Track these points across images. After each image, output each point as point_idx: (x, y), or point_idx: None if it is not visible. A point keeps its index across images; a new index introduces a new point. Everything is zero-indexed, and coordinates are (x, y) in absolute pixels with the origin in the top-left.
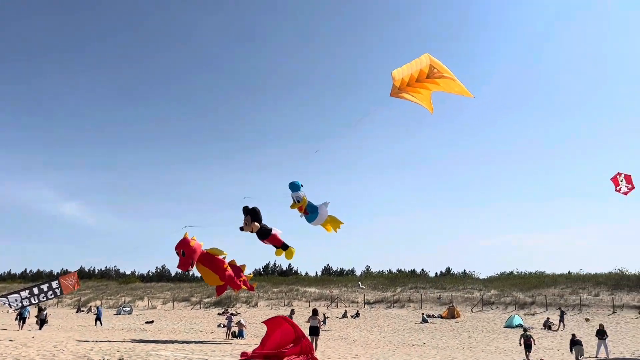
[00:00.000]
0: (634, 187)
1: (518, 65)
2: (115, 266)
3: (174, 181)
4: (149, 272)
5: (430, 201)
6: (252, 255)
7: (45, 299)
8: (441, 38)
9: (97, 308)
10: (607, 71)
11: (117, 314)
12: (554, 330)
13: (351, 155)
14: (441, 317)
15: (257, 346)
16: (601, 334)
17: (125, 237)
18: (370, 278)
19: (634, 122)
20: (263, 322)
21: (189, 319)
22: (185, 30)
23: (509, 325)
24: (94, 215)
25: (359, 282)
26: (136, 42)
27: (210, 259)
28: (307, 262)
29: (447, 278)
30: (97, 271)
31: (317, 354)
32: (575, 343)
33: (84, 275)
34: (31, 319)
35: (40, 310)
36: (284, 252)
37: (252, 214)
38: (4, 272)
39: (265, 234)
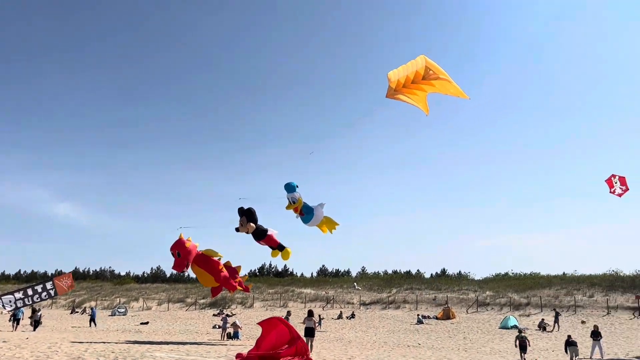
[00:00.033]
0: (628, 189)
1: (517, 65)
2: (110, 267)
3: (170, 182)
4: (144, 273)
5: (426, 202)
6: (247, 256)
7: (39, 300)
8: (440, 38)
9: (92, 309)
10: (605, 72)
11: (111, 315)
12: (548, 331)
13: (348, 156)
14: (436, 318)
15: (252, 347)
16: (595, 334)
17: (120, 238)
18: (366, 279)
19: (630, 123)
20: (258, 323)
21: (184, 320)
22: (183, 30)
23: (504, 327)
24: (88, 216)
25: (355, 283)
26: (133, 41)
27: (206, 260)
28: (302, 263)
29: (442, 279)
30: (91, 272)
31: (312, 355)
32: (570, 344)
33: (78, 276)
34: (25, 320)
35: (34, 311)
36: (280, 253)
37: (247, 215)
38: None
39: (261, 235)
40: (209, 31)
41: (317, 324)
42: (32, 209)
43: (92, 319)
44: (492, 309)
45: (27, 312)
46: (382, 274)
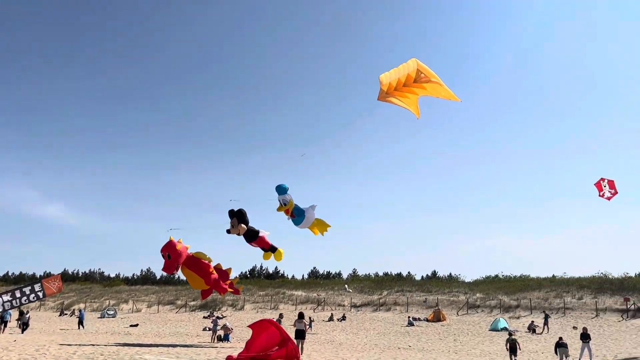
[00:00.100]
0: (617, 192)
1: (508, 69)
2: (99, 269)
3: (160, 183)
4: (133, 274)
5: (417, 205)
6: (238, 258)
7: (27, 302)
8: (440, 38)
9: (80, 311)
10: (605, 72)
11: (101, 317)
12: (538, 334)
13: (339, 160)
14: (427, 320)
15: (242, 349)
16: (585, 337)
17: (110, 240)
18: (357, 281)
19: (622, 125)
20: (249, 326)
21: (174, 323)
22: (179, 30)
23: (494, 329)
24: (78, 217)
25: (346, 285)
26: (126, 43)
27: (196, 263)
28: (293, 265)
29: (433, 281)
30: (80, 274)
31: (303, 358)
32: (560, 345)
33: (67, 277)
34: (13, 323)
35: (22, 313)
36: (272, 255)
37: (238, 216)
38: None
39: (252, 236)
40: (200, 32)
41: (307, 326)
42: (21, 210)
43: (80, 322)
44: (483, 311)
45: (15, 314)
46: (373, 276)
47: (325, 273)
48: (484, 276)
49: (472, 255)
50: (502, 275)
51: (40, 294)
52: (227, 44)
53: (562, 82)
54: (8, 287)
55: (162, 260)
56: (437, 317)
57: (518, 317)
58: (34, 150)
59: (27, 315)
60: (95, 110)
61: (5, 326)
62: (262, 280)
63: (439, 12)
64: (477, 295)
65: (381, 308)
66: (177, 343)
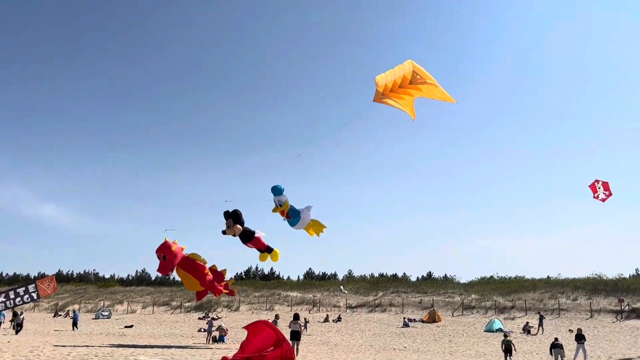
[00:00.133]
0: (611, 194)
1: (508, 69)
2: (94, 269)
3: (156, 184)
4: (128, 275)
5: (413, 206)
6: (234, 259)
7: (21, 302)
8: (439, 38)
9: (74, 312)
10: (604, 72)
11: (95, 319)
12: (532, 335)
13: (335, 161)
14: (422, 321)
15: (237, 351)
16: (579, 337)
17: (105, 240)
18: (352, 282)
19: (622, 126)
20: (244, 327)
21: (169, 324)
22: (176, 31)
23: (489, 330)
24: (73, 218)
25: (341, 287)
26: (123, 43)
27: (191, 264)
28: (289, 266)
29: (428, 282)
30: (75, 274)
31: (298, 359)
32: (555, 346)
33: (61, 278)
34: (7, 324)
35: (15, 314)
36: (268, 256)
37: (233, 217)
38: None
39: (248, 237)
40: (205, 31)
41: (303, 328)
42: (15, 210)
43: (75, 323)
44: (478, 312)
45: (9, 315)
46: (368, 277)
47: (321, 274)
48: (479, 277)
49: (468, 256)
50: (497, 277)
51: (35, 295)
52: (227, 44)
53: (562, 82)
54: (2, 288)
55: (157, 261)
56: (433, 318)
57: (513, 318)
58: (28, 151)
59: (21, 316)
60: (94, 110)
61: None
62: (257, 281)
63: (439, 12)
64: (472, 296)
65: (377, 309)
66: (172, 344)
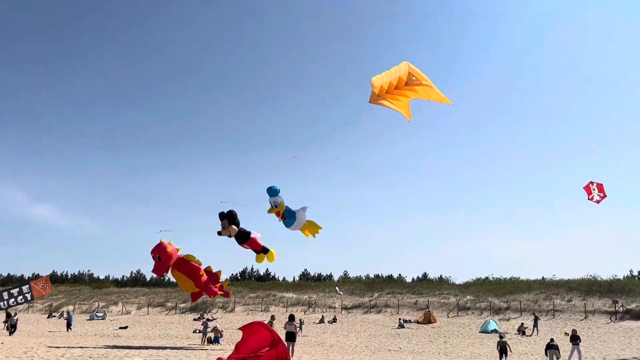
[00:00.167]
0: (606, 196)
1: (507, 69)
2: (88, 270)
3: (151, 185)
4: (123, 276)
5: (409, 207)
6: (229, 260)
7: (15, 303)
8: (439, 38)
9: (68, 313)
10: (602, 73)
11: (90, 320)
12: (527, 336)
13: (331, 162)
14: (418, 322)
15: (232, 352)
16: (574, 339)
17: (100, 241)
18: (348, 283)
19: (622, 126)
20: (239, 328)
21: (164, 325)
22: (176, 32)
23: (484, 331)
24: (67, 219)
25: (337, 288)
26: (120, 44)
27: (186, 265)
28: (284, 267)
29: (423, 283)
30: (69, 275)
31: None
32: (550, 347)
33: (56, 279)
34: (0, 325)
35: (9, 315)
36: (265, 257)
37: (228, 218)
38: None
39: (244, 237)
40: (205, 31)
41: (298, 328)
42: (9, 211)
43: (69, 324)
44: (473, 313)
45: (2, 316)
46: (364, 278)
47: (316, 275)
48: (474, 278)
49: (463, 258)
50: (492, 278)
51: (29, 296)
52: (227, 44)
53: (561, 82)
54: None
55: (152, 262)
56: (428, 319)
57: (508, 319)
58: (23, 151)
59: (15, 317)
60: (94, 110)
61: None
62: (252, 282)
63: (439, 12)
64: (468, 297)
65: (372, 310)
66: (167, 345)
